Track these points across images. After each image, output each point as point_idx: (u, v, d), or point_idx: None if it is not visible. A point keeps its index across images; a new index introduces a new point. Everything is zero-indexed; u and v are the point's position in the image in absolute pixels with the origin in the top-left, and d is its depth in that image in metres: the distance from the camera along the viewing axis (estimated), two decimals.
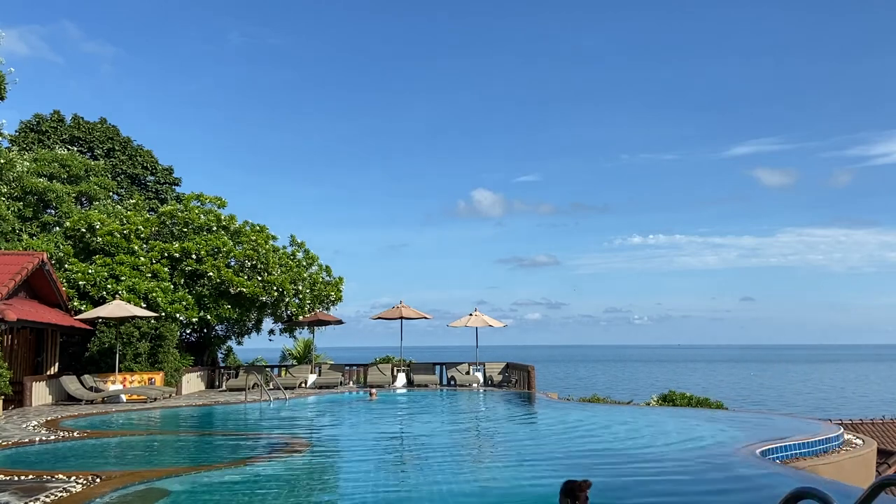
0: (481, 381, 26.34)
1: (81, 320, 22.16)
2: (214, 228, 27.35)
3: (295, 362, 34.13)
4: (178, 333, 24.84)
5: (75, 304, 23.33)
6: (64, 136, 34.91)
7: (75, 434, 13.67)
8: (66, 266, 24.15)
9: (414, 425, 16.63)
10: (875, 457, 12.60)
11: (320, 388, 25.99)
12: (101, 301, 23.40)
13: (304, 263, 29.98)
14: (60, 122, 35.63)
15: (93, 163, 32.60)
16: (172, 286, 25.12)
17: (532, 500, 8.25)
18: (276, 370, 29.38)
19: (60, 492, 7.93)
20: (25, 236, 25.35)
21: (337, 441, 14.17)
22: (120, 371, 22.27)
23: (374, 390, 23.92)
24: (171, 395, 22.95)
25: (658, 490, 8.36)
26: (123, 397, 21.21)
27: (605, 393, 40.80)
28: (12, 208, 25.56)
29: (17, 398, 19.30)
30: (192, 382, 25.95)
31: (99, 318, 21.74)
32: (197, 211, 27.73)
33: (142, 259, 25.04)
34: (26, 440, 12.78)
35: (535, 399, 21.57)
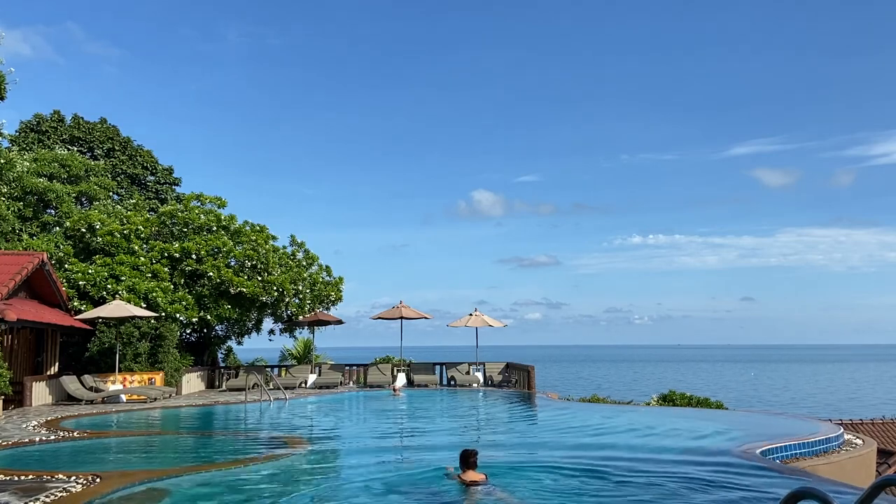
0: (481, 381, 26.33)
1: (81, 320, 22.15)
2: (214, 228, 27.34)
3: (295, 362, 34.11)
4: (178, 333, 24.83)
5: (75, 304, 23.32)
6: (64, 136, 34.90)
7: (75, 434, 13.66)
8: (66, 266, 24.14)
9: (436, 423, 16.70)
10: (875, 457, 12.58)
11: (320, 388, 25.98)
12: (101, 301, 23.39)
13: (304, 263, 29.98)
14: (60, 122, 35.62)
15: (93, 163, 32.59)
16: (172, 286, 25.11)
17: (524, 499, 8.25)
18: (276, 370, 29.39)
19: (60, 492, 7.93)
20: (25, 236, 25.34)
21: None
22: (120, 371, 22.26)
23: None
24: (171, 395, 22.94)
25: (657, 490, 8.35)
26: (123, 397, 21.21)
27: (606, 393, 40.78)
28: (12, 208, 25.55)
29: (17, 398, 19.29)
30: (192, 382, 25.94)
31: (99, 318, 21.74)
32: (197, 211, 27.72)
33: (142, 259, 25.03)
34: (26, 440, 12.78)
35: (534, 399, 21.57)
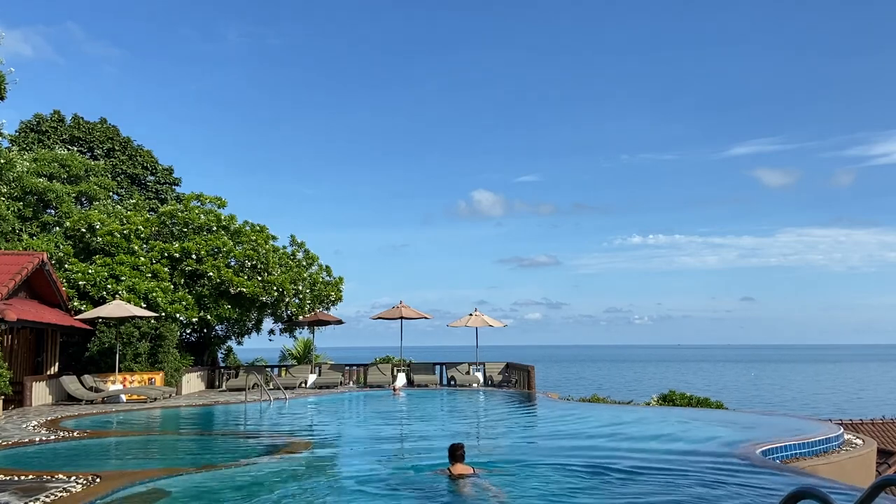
0: (481, 381, 26.33)
1: (81, 320, 22.15)
2: (214, 228, 27.34)
3: (295, 362, 34.12)
4: (178, 333, 24.83)
5: (75, 304, 23.31)
6: (64, 136, 34.89)
7: (75, 434, 13.66)
8: (66, 266, 24.14)
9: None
10: (875, 457, 12.58)
11: (320, 388, 25.98)
12: (101, 301, 23.39)
13: (304, 263, 29.98)
14: (60, 122, 35.62)
15: (93, 163, 32.59)
16: (172, 286, 25.11)
17: (523, 499, 8.25)
18: (276, 370, 29.38)
19: (60, 492, 7.92)
20: (25, 236, 25.34)
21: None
22: (120, 371, 22.26)
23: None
24: (171, 395, 22.94)
25: (656, 490, 8.35)
26: (123, 397, 21.21)
27: (606, 393, 40.80)
28: (12, 208, 25.54)
29: (17, 398, 19.30)
30: (192, 382, 25.94)
31: (99, 318, 21.74)
32: (197, 211, 27.72)
33: (142, 259, 25.03)
34: (26, 440, 12.78)
35: (535, 399, 21.56)
